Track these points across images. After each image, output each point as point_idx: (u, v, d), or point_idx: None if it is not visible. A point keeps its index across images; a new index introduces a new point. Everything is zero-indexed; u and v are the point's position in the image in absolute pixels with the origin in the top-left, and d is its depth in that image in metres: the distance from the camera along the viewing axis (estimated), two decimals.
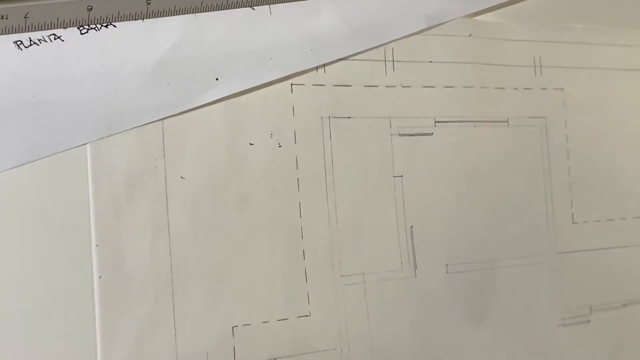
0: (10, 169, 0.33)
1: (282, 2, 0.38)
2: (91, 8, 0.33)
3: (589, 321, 0.46)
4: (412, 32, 0.42)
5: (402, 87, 0.42)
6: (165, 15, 0.36)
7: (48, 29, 0.33)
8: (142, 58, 0.35)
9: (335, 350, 0.39)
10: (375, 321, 0.40)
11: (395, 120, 0.41)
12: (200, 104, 0.36)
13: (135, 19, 0.35)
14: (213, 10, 0.37)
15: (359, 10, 0.40)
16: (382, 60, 0.41)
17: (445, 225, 0.42)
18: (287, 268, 0.38)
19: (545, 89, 0.46)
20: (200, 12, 0.36)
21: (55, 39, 0.34)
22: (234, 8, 0.37)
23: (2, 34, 0.33)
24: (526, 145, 0.45)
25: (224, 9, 0.37)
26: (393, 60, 0.41)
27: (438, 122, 0.42)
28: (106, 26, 0.35)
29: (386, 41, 0.41)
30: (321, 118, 0.40)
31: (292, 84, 0.39)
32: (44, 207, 0.34)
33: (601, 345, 0.46)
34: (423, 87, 0.42)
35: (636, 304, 0.47)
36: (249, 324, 0.37)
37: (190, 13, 0.36)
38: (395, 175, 0.41)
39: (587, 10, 0.47)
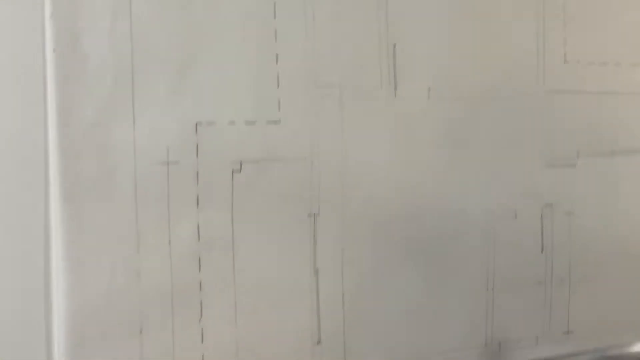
0: None
1: None
2: None
3: (575, 165, 0.44)
4: None
5: None
6: None
7: None
8: None
9: (305, 159, 0.37)
10: (349, 135, 0.38)
11: None
12: None
13: None
14: None
15: None
16: None
17: (430, 47, 0.40)
18: (258, 70, 0.36)
19: None
20: None
21: None
22: None
23: None
24: None
25: None
26: None
27: None
28: None
29: None
30: None
31: None
32: None
33: (586, 190, 0.44)
34: None
35: (625, 154, 0.45)
36: (214, 122, 0.35)
37: None
38: None
39: None
